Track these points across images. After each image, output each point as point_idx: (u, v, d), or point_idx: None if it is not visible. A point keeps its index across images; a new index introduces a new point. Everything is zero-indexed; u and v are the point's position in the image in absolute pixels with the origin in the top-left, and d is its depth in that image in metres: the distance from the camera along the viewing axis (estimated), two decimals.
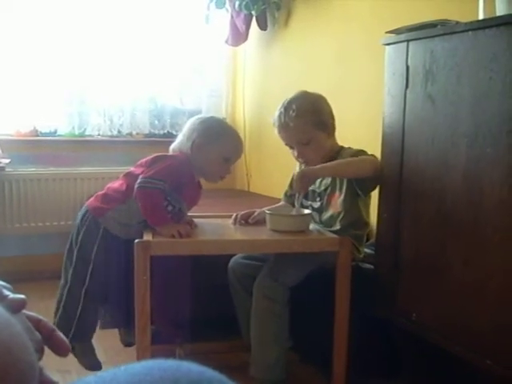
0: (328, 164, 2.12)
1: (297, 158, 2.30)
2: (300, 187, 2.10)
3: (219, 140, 2.15)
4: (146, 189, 2.00)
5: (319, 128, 2.22)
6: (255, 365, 2.12)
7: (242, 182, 4.18)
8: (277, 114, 2.25)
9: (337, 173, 2.16)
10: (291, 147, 2.28)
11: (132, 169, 2.16)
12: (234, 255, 2.34)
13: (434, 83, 1.72)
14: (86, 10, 3.67)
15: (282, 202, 2.48)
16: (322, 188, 2.29)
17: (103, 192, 2.15)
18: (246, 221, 2.27)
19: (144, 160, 2.13)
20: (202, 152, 2.13)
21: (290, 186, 2.46)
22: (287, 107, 2.22)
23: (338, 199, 2.22)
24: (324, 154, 2.26)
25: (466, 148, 1.62)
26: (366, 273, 2.13)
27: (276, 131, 2.28)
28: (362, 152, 2.17)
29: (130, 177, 2.11)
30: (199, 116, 2.29)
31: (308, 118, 2.20)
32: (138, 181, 2.00)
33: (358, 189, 2.15)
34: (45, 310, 2.93)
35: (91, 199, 2.16)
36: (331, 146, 2.28)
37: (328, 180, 2.26)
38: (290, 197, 2.45)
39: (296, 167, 2.45)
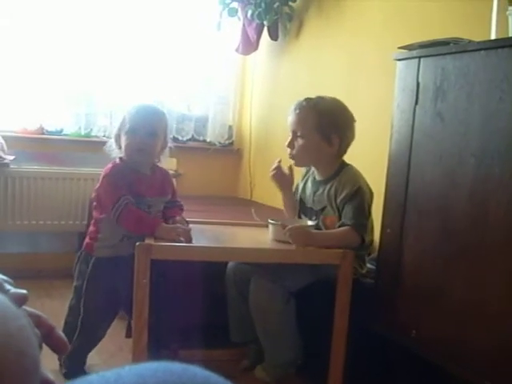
0: (320, 237, 2.11)
1: (287, 146, 2.27)
2: (298, 242, 2.07)
3: (122, 121, 2.18)
4: (121, 213, 2.06)
5: (318, 133, 2.18)
6: (268, 366, 2.21)
7: (245, 190, 4.17)
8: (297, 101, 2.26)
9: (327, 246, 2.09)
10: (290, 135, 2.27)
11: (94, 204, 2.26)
12: None
13: (444, 101, 1.72)
14: (97, 11, 3.68)
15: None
16: (319, 207, 2.26)
17: (89, 230, 2.27)
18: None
19: (93, 195, 2.26)
20: (122, 143, 2.17)
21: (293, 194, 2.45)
22: (308, 98, 2.22)
23: (335, 222, 2.17)
24: (318, 162, 2.26)
25: (473, 167, 1.61)
26: (366, 287, 2.12)
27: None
28: (357, 194, 2.11)
29: (94, 210, 2.25)
30: None
31: (313, 117, 2.18)
32: (113, 215, 2.08)
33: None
34: (41, 308, 2.92)
35: (85, 239, 2.27)
36: (331, 160, 2.24)
37: (324, 199, 2.23)
38: None
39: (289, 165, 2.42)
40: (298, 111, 2.20)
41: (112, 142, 2.23)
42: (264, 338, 2.19)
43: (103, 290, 2.15)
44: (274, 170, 2.35)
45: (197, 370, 0.43)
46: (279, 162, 2.35)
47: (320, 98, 2.22)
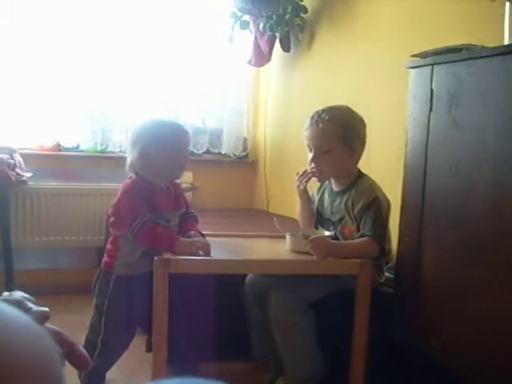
0: (340, 247, 2.11)
1: (310, 163, 2.24)
2: (319, 253, 2.06)
3: (159, 138, 2.15)
4: (138, 231, 2.05)
5: (344, 145, 2.17)
6: (288, 380, 2.17)
7: (262, 201, 4.18)
8: (312, 113, 2.23)
9: (347, 256, 2.09)
10: (310, 150, 2.23)
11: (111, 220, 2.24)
12: None
13: (459, 107, 1.71)
14: (112, 27, 3.73)
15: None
16: (337, 218, 2.25)
17: (107, 248, 2.26)
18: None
19: (110, 211, 2.24)
20: (153, 160, 2.15)
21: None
22: (325, 110, 2.19)
23: (353, 232, 2.17)
24: (340, 173, 2.24)
25: (489, 174, 1.60)
26: (384, 296, 2.10)
27: (304, 128, 2.24)
28: (374, 204, 2.11)
29: (111, 227, 2.23)
30: (130, 133, 2.28)
31: (338, 129, 2.16)
32: (130, 233, 2.07)
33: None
34: (60, 323, 2.93)
35: (104, 257, 2.26)
36: (350, 170, 2.24)
37: (342, 209, 2.23)
38: None
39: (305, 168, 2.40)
40: (321, 125, 2.16)
41: (136, 158, 2.17)
42: (284, 351, 2.17)
43: (124, 309, 2.14)
44: (302, 179, 2.32)
45: None
46: (304, 172, 2.31)
47: (334, 109, 2.21)
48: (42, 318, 0.54)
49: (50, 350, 0.43)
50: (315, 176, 2.26)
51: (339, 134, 2.16)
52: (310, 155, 2.23)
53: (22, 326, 0.41)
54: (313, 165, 2.23)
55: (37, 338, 0.41)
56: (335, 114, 2.18)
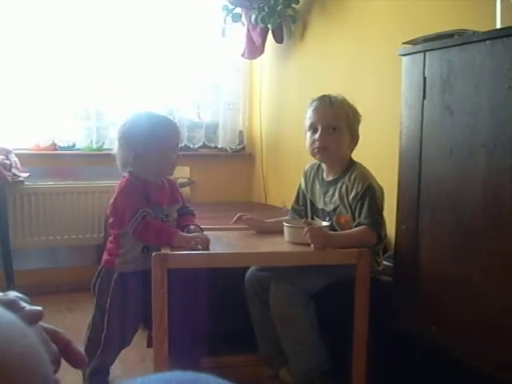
0: (338, 238, 2.09)
1: (313, 143, 2.22)
2: (318, 244, 2.04)
3: (154, 140, 2.13)
4: (137, 227, 2.05)
5: (348, 130, 2.20)
6: (293, 372, 2.18)
7: (259, 194, 4.18)
8: (319, 96, 2.25)
9: (345, 246, 2.09)
10: (315, 130, 2.22)
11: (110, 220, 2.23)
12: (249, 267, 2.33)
13: (452, 93, 1.71)
14: (104, 24, 3.71)
15: (287, 217, 2.44)
16: (331, 208, 2.24)
17: (107, 247, 2.25)
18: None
19: (108, 212, 2.25)
20: (148, 159, 2.13)
21: (297, 200, 2.43)
22: (333, 95, 2.24)
23: (350, 222, 2.17)
24: (337, 158, 2.24)
25: (484, 158, 1.60)
26: (384, 285, 2.11)
27: (310, 109, 2.24)
28: (368, 191, 2.11)
29: (111, 227, 2.22)
30: (121, 128, 2.21)
31: (347, 113, 2.20)
32: (129, 228, 2.07)
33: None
34: (62, 321, 2.97)
35: (103, 255, 2.25)
36: (345, 158, 2.25)
37: (336, 199, 2.22)
38: (296, 210, 2.43)
39: (306, 167, 2.42)
40: (335, 105, 2.20)
41: (129, 156, 2.14)
42: (287, 344, 2.17)
43: (127, 306, 2.14)
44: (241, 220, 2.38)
45: (210, 379, 0.43)
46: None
47: (341, 96, 2.24)
48: (34, 317, 0.54)
49: (35, 348, 0.43)
50: (318, 154, 2.24)
51: (348, 117, 2.20)
52: (314, 135, 2.21)
53: (2, 324, 0.41)
54: (317, 144, 2.20)
55: (20, 337, 0.41)
56: (344, 101, 2.23)
